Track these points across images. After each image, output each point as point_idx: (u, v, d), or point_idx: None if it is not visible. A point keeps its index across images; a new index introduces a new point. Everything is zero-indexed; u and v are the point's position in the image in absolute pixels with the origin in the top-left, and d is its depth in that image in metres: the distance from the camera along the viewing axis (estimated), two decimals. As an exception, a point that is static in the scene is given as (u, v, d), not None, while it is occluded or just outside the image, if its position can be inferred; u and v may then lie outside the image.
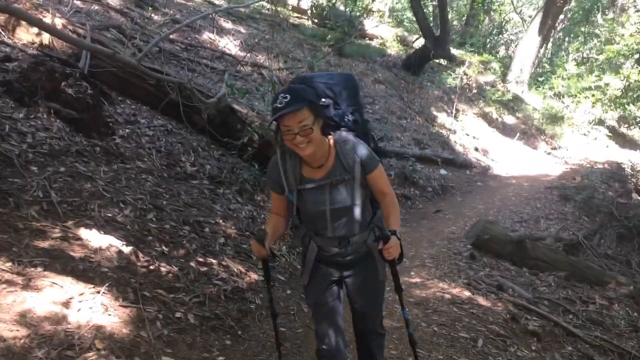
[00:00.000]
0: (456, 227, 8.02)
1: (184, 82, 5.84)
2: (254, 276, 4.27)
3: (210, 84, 7.96)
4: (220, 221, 4.87)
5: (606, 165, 12.69)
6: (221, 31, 11.89)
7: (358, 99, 2.56)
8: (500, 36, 19.12)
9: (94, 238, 3.43)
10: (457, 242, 7.14)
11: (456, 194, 10.05)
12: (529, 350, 4.23)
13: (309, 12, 16.30)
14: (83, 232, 3.42)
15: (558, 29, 22.65)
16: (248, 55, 10.96)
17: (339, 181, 2.40)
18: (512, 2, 18.77)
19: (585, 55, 19.10)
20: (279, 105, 2.19)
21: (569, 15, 21.64)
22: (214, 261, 4.15)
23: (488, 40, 18.30)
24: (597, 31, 17.37)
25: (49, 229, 3.31)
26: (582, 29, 21.07)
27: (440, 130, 12.10)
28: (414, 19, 14.92)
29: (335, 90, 2.44)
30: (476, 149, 12.21)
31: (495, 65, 16.75)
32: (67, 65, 5.72)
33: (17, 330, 2.44)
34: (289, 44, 12.95)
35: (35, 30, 6.55)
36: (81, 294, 2.88)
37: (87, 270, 3.11)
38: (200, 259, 4.05)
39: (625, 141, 15.77)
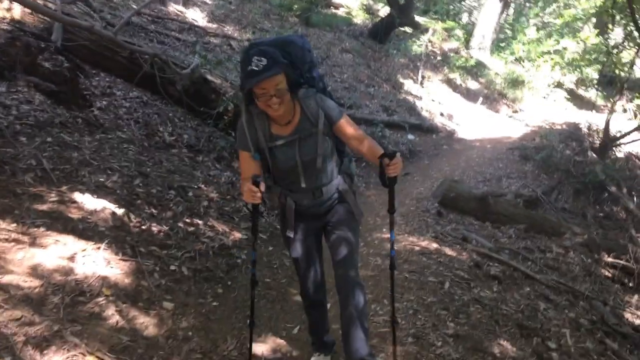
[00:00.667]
0: (424, 188, 8.42)
1: (158, 54, 6.01)
2: (237, 235, 4.57)
3: (182, 56, 8.09)
4: (202, 186, 5.13)
5: (564, 126, 13.28)
6: (187, 2, 11.88)
7: (312, 57, 2.61)
8: (463, 3, 19.45)
9: (88, 201, 3.67)
10: (425, 201, 7.54)
11: (423, 157, 10.46)
12: (491, 291, 4.66)
13: (274, -19, 16.27)
14: (77, 196, 3.66)
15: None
16: (217, 26, 11.05)
17: (306, 135, 2.49)
18: (474, -31, 19.16)
19: (545, 20, 19.60)
20: (255, 69, 2.23)
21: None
22: (199, 222, 4.43)
23: (451, 7, 18.62)
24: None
25: (45, 194, 3.53)
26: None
27: (407, 97, 12.45)
28: (379, -13, 15.12)
29: (292, 53, 2.46)
30: (442, 114, 12.62)
31: (459, 32, 17.10)
32: (41, 40, 5.81)
33: (31, 281, 2.70)
34: (256, 14, 13.02)
35: (5, 5, 6.57)
36: (83, 250, 3.14)
37: (86, 229, 3.36)
38: (187, 220, 4.32)
39: (582, 103, 16.41)
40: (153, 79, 6.08)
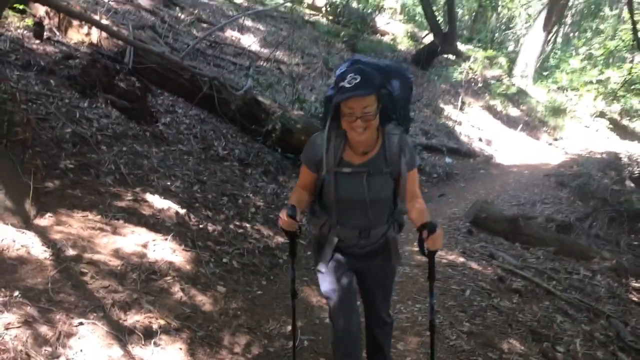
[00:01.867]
0: (458, 209, 8.81)
1: (217, 77, 6.74)
2: (280, 239, 5.13)
3: (236, 79, 8.84)
4: (250, 195, 5.75)
5: (604, 155, 13.39)
6: (242, 28, 12.76)
7: (410, 95, 2.49)
8: (508, 32, 19.79)
9: (157, 201, 4.33)
10: (457, 221, 7.94)
11: (459, 180, 10.84)
12: (510, 302, 5.04)
13: (323, 9, 17.08)
14: (148, 196, 4.32)
15: (568, 23, 23.24)
16: (270, 51, 11.83)
17: (376, 171, 2.34)
18: (519, -1, 19.51)
19: (591, 50, 19.69)
20: (347, 86, 2.12)
21: (577, 9, 22.23)
22: (247, 225, 5.03)
23: (496, 35, 18.99)
24: (601, 26, 17.96)
25: (122, 193, 4.21)
26: (590, 23, 21.66)
27: (447, 122, 12.89)
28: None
29: (393, 82, 2.37)
30: (480, 139, 12.98)
31: (502, 59, 17.44)
32: (115, 62, 6.62)
33: (114, 261, 3.33)
34: (305, 40, 13.79)
35: (85, 30, 7.48)
36: (154, 240, 3.77)
37: (155, 224, 4.00)
38: (237, 223, 4.93)
39: (626, 133, 16.41)
40: (210, 99, 6.80)
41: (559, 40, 23.67)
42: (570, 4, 18.20)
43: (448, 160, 11.24)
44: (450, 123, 12.89)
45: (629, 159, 13.02)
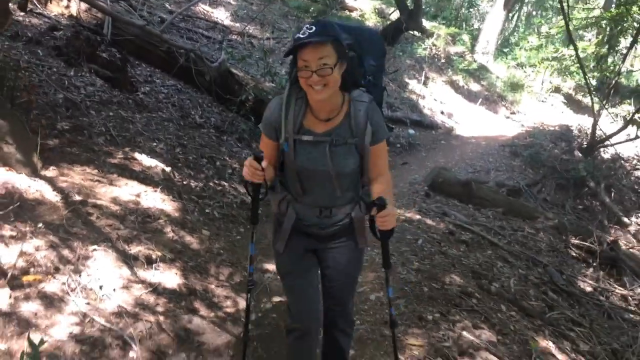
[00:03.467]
0: (418, 175, 9.51)
1: (194, 49, 7.19)
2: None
3: (210, 51, 9.27)
4: (227, 158, 6.30)
5: (557, 128, 14.29)
6: (214, 2, 13.07)
7: (383, 62, 2.35)
8: (471, 10, 20.50)
9: (145, 159, 4.85)
10: (417, 185, 8.65)
11: (421, 150, 11.56)
12: (457, 250, 5.75)
13: (293, -16, 17.41)
14: (137, 155, 4.84)
15: (529, 2, 24.07)
16: (241, 25, 12.22)
17: (339, 142, 2.14)
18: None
19: (549, 29, 20.57)
20: (301, 36, 1.92)
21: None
22: (225, 184, 5.59)
23: (461, 12, 19.67)
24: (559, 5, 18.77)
25: (114, 152, 4.72)
26: (551, 2, 22.53)
27: (411, 96, 13.56)
28: (391, -8, 16.22)
29: (364, 46, 2.19)
30: (442, 113, 13.71)
31: (465, 37, 18.14)
32: (96, 34, 7.01)
33: (114, 206, 3.87)
34: (275, 15, 14.18)
35: (64, 3, 7.81)
36: (145, 191, 4.30)
37: (145, 178, 4.53)
38: (216, 181, 5.49)
39: (580, 108, 17.39)
40: (187, 70, 7.27)
41: (522, 18, 24.51)
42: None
43: (411, 131, 11.93)
44: (414, 97, 13.56)
45: (579, 131, 13.96)
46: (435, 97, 14.22)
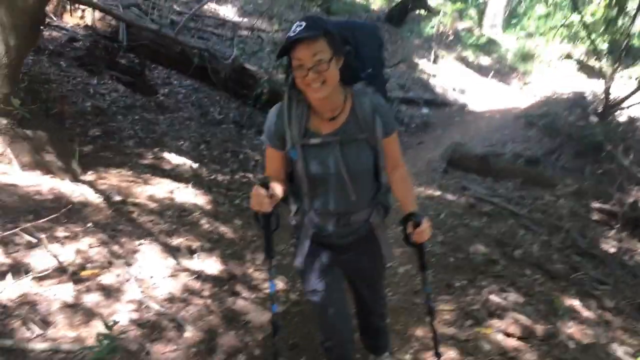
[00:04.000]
0: (435, 154, 9.63)
1: (207, 49, 7.40)
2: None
3: (222, 48, 9.47)
4: (249, 151, 6.51)
5: (570, 95, 14.23)
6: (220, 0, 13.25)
7: (382, 53, 2.27)
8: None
9: (173, 158, 5.09)
10: (435, 163, 8.79)
11: (437, 128, 11.66)
12: (479, 222, 5.91)
13: (296, -26, 17.48)
14: (166, 155, 5.09)
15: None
16: (249, 20, 12.39)
17: (349, 139, 2.03)
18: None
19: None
20: (291, 34, 1.84)
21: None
22: (250, 175, 5.81)
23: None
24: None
25: (144, 153, 4.97)
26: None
27: (422, 75, 13.62)
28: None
29: (359, 39, 2.11)
30: (454, 89, 13.75)
31: (472, 11, 18.07)
32: (112, 41, 7.25)
33: (152, 203, 4.12)
34: (281, 7, 14.30)
35: (79, 14, 8.05)
36: (178, 188, 4.55)
37: (177, 175, 4.78)
38: (242, 173, 5.71)
39: (593, 73, 17.21)
40: (202, 69, 7.47)
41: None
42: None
43: (425, 110, 12.03)
44: (425, 76, 13.62)
45: (593, 97, 13.89)
46: (446, 75, 14.26)
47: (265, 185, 1.91)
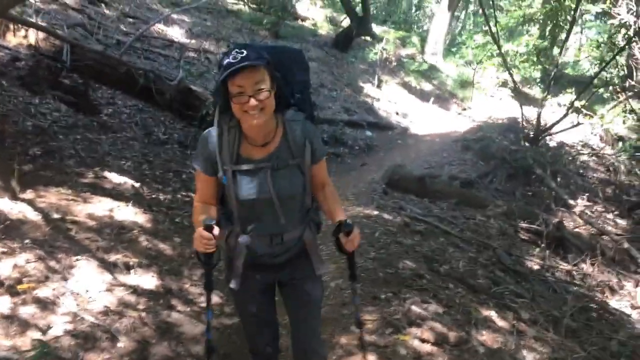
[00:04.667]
0: (377, 175, 10.01)
1: (152, 70, 7.55)
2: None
3: (168, 70, 9.60)
4: (192, 171, 6.65)
5: (505, 120, 15.07)
6: (168, 21, 13.37)
7: (308, 77, 2.31)
8: (419, 12, 21.32)
9: (114, 178, 5.20)
10: (375, 184, 9.15)
11: (379, 151, 12.12)
12: (412, 240, 6.24)
13: (245, -2, 17.84)
14: (107, 174, 5.19)
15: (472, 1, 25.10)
16: (196, 42, 12.58)
17: (281, 165, 2.10)
18: (427, -18, 21.09)
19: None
20: (232, 61, 1.86)
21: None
22: (192, 194, 5.95)
23: (408, 16, 20.44)
24: (501, 4, 19.76)
25: (85, 172, 5.06)
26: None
27: (366, 99, 14.14)
28: (341, 1, 16.82)
29: (286, 65, 2.14)
30: (397, 113, 14.33)
31: (415, 39, 18.88)
32: (56, 61, 7.29)
33: (91, 221, 4.22)
34: (229, 30, 14.57)
35: (22, 33, 8.03)
36: (118, 206, 4.66)
37: (117, 194, 4.89)
38: (184, 193, 5.86)
39: (527, 99, 18.26)
40: (147, 90, 7.60)
41: (470, 15, 25.49)
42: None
43: (368, 133, 12.48)
44: (369, 100, 14.14)
45: (526, 122, 14.75)
46: (389, 99, 14.85)
47: (209, 228, 1.95)
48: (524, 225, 8.61)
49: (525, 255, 7.51)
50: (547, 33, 18.37)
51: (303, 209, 2.24)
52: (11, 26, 7.93)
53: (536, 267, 7.23)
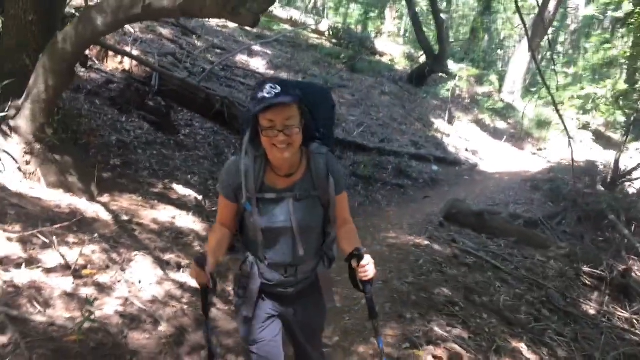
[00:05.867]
0: (437, 208, 10.12)
1: (227, 97, 8.24)
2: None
3: (244, 97, 10.34)
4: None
5: (582, 164, 14.63)
6: (251, 53, 14.33)
7: (333, 114, 2.40)
8: (499, 51, 21.24)
9: (180, 190, 5.79)
10: (433, 217, 9.27)
11: (444, 185, 12.19)
12: (457, 271, 6.34)
13: (326, 33, 18.69)
14: (174, 186, 5.79)
15: (557, 42, 24.63)
16: (274, 72, 13.37)
17: (303, 196, 2.18)
18: (509, 22, 20.97)
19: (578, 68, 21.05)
20: (267, 96, 1.95)
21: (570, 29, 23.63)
22: (250, 211, 6.45)
23: (488, 55, 20.44)
24: (587, 45, 19.36)
25: (155, 183, 5.67)
26: (583, 44, 23.03)
27: (436, 134, 14.29)
28: (419, 38, 17.20)
29: (312, 101, 2.17)
30: (467, 149, 14.35)
31: (494, 77, 18.84)
32: (144, 85, 8.15)
33: (154, 225, 4.76)
34: (307, 62, 15.32)
35: (119, 59, 9.05)
36: (180, 214, 5.20)
37: (180, 204, 5.45)
38: (242, 209, 6.35)
39: (609, 144, 17.62)
40: (222, 114, 8.28)
41: (552, 57, 24.99)
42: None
43: (434, 167, 12.60)
44: (439, 135, 14.28)
45: (604, 166, 14.25)
46: (460, 135, 14.90)
47: (200, 262, 2.04)
48: (586, 269, 8.35)
49: (582, 298, 7.31)
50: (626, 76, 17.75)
51: (319, 242, 2.31)
52: (110, 52, 8.97)
53: (592, 311, 7.02)
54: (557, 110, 9.25)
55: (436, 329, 4.09)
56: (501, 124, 16.50)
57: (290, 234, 2.17)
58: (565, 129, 8.89)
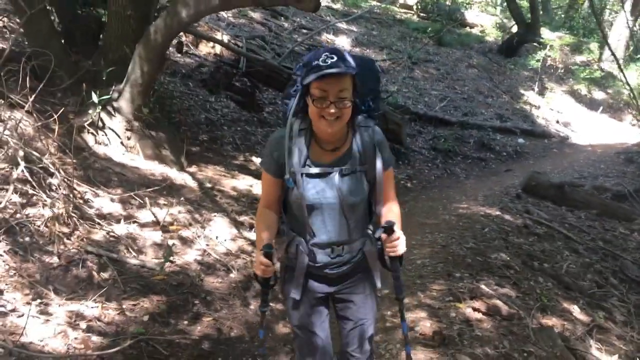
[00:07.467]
0: (518, 181, 10.07)
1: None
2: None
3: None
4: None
5: (688, 135, 13.65)
6: (337, 31, 14.75)
7: (379, 86, 2.28)
8: (600, 17, 19.92)
9: (258, 161, 6.43)
10: (511, 189, 9.27)
11: (529, 158, 11.99)
12: (524, 239, 6.44)
13: (414, 7, 18.60)
14: (254, 159, 6.44)
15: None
16: (359, 50, 13.73)
17: (349, 171, 2.07)
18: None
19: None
20: (322, 64, 1.84)
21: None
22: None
23: (587, 22, 19.28)
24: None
25: (237, 156, 6.37)
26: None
27: (524, 106, 13.95)
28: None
29: (359, 73, 2.00)
30: (558, 122, 13.88)
31: (594, 45, 17.83)
32: (233, 67, 8.89)
33: (233, 192, 5.43)
34: (393, 38, 15.47)
35: (211, 44, 9.87)
36: (257, 183, 5.83)
37: (258, 175, 6.02)
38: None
39: None
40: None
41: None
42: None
43: (520, 140, 12.41)
44: (527, 107, 13.94)
45: None
46: (551, 107, 14.43)
47: (268, 255, 1.98)
48: (674, 242, 8.05)
49: (660, 271, 7.11)
50: None
51: (365, 220, 2.21)
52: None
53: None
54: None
55: (482, 286, 4.37)
56: (599, 94, 15.67)
57: (336, 210, 2.08)
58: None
